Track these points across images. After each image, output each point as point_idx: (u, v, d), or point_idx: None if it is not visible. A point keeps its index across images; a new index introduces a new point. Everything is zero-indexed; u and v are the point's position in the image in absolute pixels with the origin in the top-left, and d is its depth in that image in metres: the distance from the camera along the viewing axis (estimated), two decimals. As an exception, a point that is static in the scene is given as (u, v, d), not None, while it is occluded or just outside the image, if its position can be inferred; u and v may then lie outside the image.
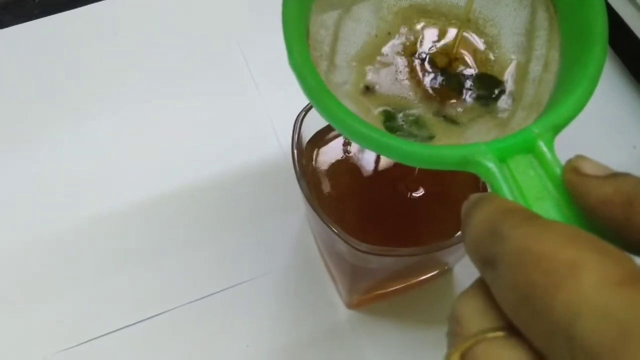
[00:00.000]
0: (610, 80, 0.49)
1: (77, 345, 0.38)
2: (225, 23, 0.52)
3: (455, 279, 0.41)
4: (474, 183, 0.33)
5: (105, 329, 0.39)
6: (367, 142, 0.19)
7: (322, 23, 0.22)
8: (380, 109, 0.23)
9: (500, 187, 0.18)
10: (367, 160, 0.34)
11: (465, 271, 0.40)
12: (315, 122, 0.33)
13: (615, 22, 0.46)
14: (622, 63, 0.49)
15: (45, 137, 0.46)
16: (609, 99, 0.48)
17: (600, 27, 0.20)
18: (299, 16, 0.21)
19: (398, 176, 0.34)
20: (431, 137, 0.23)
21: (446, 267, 0.40)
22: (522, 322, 0.15)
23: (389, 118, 0.23)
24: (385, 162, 0.34)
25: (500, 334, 0.15)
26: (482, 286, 0.17)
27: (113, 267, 0.41)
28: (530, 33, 0.23)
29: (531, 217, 0.16)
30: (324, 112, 0.19)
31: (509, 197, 0.18)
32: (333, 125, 0.19)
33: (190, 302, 0.40)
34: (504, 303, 0.15)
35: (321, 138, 0.34)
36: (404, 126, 0.23)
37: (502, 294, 0.15)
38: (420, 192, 0.33)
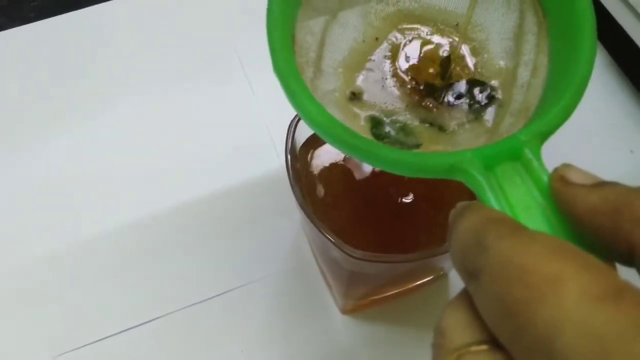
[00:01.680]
0: (607, 85, 0.49)
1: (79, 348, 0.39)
2: (223, 28, 0.52)
3: (450, 284, 0.41)
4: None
5: (102, 334, 0.39)
6: (352, 150, 0.19)
7: (309, 29, 0.22)
8: (367, 115, 0.23)
9: (487, 195, 0.18)
10: (362, 163, 0.34)
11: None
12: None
13: (613, 27, 0.46)
14: (619, 67, 0.49)
15: (42, 141, 0.46)
16: (607, 104, 0.48)
17: (588, 33, 0.20)
18: (284, 23, 0.20)
19: (393, 180, 0.33)
20: (418, 145, 0.22)
21: (441, 272, 0.39)
22: (504, 336, 0.14)
23: (375, 125, 0.23)
24: (380, 166, 0.34)
25: (483, 347, 0.15)
26: (467, 298, 0.16)
27: (110, 272, 0.41)
28: (518, 38, 0.23)
29: (516, 228, 0.15)
30: (309, 119, 0.19)
31: (496, 205, 0.18)
32: (317, 132, 0.19)
33: (185, 307, 0.40)
34: (486, 316, 0.15)
35: (316, 141, 0.34)
36: (391, 133, 0.22)
37: (484, 306, 0.15)
38: (416, 197, 0.33)
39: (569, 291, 0.13)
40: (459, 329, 0.16)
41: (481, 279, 0.15)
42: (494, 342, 0.15)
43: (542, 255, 0.14)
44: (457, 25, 0.24)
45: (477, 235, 0.16)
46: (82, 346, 0.39)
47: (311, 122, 0.19)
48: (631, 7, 0.43)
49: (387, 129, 0.23)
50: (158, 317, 0.40)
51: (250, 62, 0.50)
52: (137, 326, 0.39)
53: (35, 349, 0.39)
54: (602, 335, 0.12)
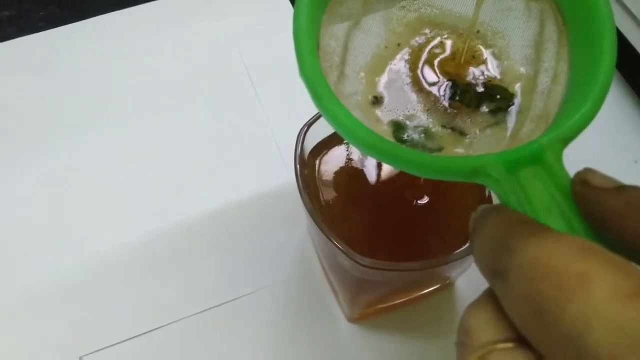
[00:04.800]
0: (611, 94, 0.49)
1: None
2: (229, 38, 0.52)
3: (457, 292, 0.41)
4: (480, 192, 0.33)
5: (111, 341, 0.39)
6: (376, 153, 0.19)
7: (333, 34, 0.23)
8: (390, 120, 0.23)
9: (509, 198, 0.18)
10: (370, 169, 0.34)
11: (467, 285, 0.40)
12: (316, 134, 0.33)
13: (617, 39, 0.46)
14: (623, 77, 0.49)
15: (51, 149, 0.47)
16: (610, 114, 0.48)
17: (608, 40, 0.20)
18: (310, 28, 0.21)
19: (403, 186, 0.33)
20: (440, 149, 0.23)
21: (448, 281, 0.40)
22: (532, 334, 0.15)
23: (398, 129, 0.23)
24: (388, 171, 0.34)
25: (509, 345, 0.15)
26: (491, 297, 0.17)
27: (122, 278, 0.41)
28: (539, 45, 0.23)
29: (541, 229, 0.16)
30: (334, 122, 0.19)
31: (518, 208, 0.18)
32: (343, 135, 0.19)
33: (192, 314, 0.40)
34: (513, 314, 0.15)
35: (323, 148, 0.34)
36: (413, 137, 0.23)
37: (511, 305, 0.15)
38: (425, 202, 0.33)
39: (598, 289, 0.13)
40: (485, 327, 0.16)
41: (509, 279, 0.15)
42: (520, 340, 0.15)
43: (568, 255, 0.14)
44: (478, 32, 0.25)
45: (503, 236, 0.16)
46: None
47: (337, 126, 0.19)
48: (634, 17, 0.44)
49: (409, 132, 0.23)
50: (165, 325, 0.40)
51: (256, 71, 0.50)
52: (142, 334, 0.39)
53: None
54: (632, 332, 0.13)
